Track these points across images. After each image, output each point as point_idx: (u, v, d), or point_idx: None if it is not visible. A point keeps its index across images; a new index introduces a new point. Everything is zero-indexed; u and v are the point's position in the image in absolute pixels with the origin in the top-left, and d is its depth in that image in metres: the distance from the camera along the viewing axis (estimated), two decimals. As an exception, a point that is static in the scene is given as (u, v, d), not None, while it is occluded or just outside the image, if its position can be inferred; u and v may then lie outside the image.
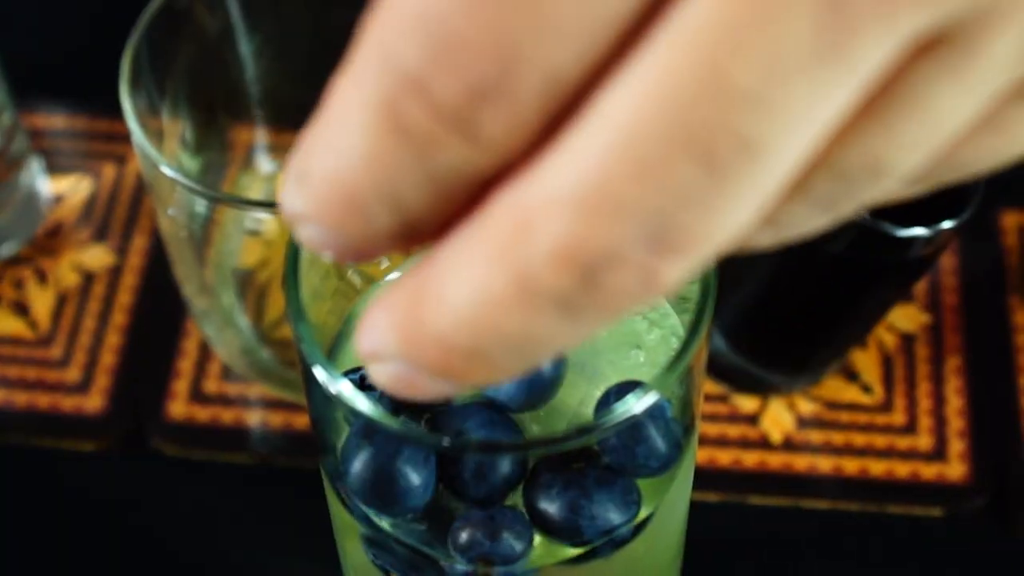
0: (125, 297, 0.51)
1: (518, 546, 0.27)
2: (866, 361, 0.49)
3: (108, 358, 0.49)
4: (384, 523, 0.28)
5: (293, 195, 0.17)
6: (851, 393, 0.48)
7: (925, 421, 0.48)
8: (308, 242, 0.18)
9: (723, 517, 0.46)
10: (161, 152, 0.41)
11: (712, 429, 0.47)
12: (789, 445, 0.47)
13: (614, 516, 0.27)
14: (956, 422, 0.47)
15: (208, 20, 0.44)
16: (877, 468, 0.47)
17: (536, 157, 0.16)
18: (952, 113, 0.17)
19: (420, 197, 0.17)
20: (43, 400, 0.48)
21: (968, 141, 0.18)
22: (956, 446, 0.47)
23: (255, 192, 0.51)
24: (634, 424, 0.26)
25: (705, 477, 0.46)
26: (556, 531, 0.27)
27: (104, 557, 0.46)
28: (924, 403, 0.48)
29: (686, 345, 0.24)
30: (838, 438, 0.47)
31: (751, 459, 0.47)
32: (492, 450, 0.27)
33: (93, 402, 0.48)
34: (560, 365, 0.28)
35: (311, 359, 0.24)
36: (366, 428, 0.27)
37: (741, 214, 0.16)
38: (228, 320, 0.46)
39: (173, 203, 0.40)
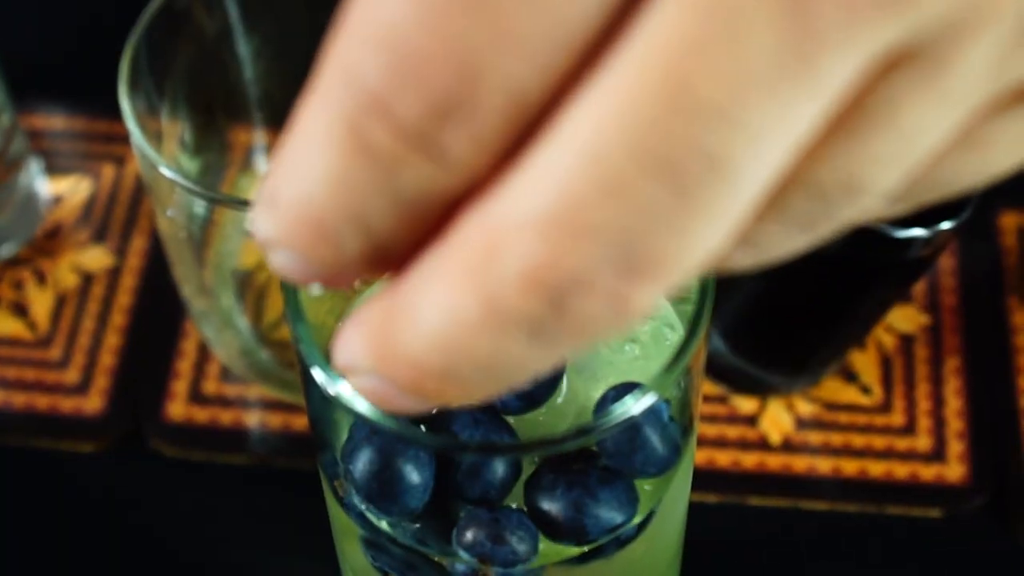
0: (124, 298, 0.51)
1: (524, 547, 0.27)
2: (865, 362, 0.49)
3: (107, 359, 0.49)
4: (383, 524, 0.28)
5: (263, 220, 0.17)
6: (850, 394, 0.48)
7: (924, 422, 0.48)
8: (280, 268, 0.17)
9: (722, 518, 0.46)
10: (160, 153, 0.41)
11: (711, 430, 0.47)
12: (788, 446, 0.47)
13: (618, 515, 0.27)
14: (955, 423, 0.48)
15: (207, 21, 0.44)
16: (876, 469, 0.47)
17: (504, 176, 0.16)
18: (927, 129, 0.16)
19: (388, 219, 0.16)
20: (42, 401, 0.48)
21: (947, 158, 0.17)
22: (955, 447, 0.47)
23: (254, 193, 0.51)
24: (632, 425, 0.26)
25: (704, 478, 0.46)
26: (560, 531, 0.27)
27: (104, 558, 0.46)
28: (923, 404, 0.48)
29: (685, 346, 0.24)
30: (837, 439, 0.47)
31: (750, 460, 0.47)
32: (491, 451, 0.27)
33: (92, 403, 0.48)
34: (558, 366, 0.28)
35: (310, 360, 0.24)
36: (365, 429, 0.27)
37: (712, 235, 0.15)
38: (227, 321, 0.46)
39: (172, 204, 0.40)
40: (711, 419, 0.48)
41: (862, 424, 0.48)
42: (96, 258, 0.52)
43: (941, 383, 0.48)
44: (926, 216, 0.38)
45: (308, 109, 0.16)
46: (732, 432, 0.47)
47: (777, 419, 0.48)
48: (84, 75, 0.54)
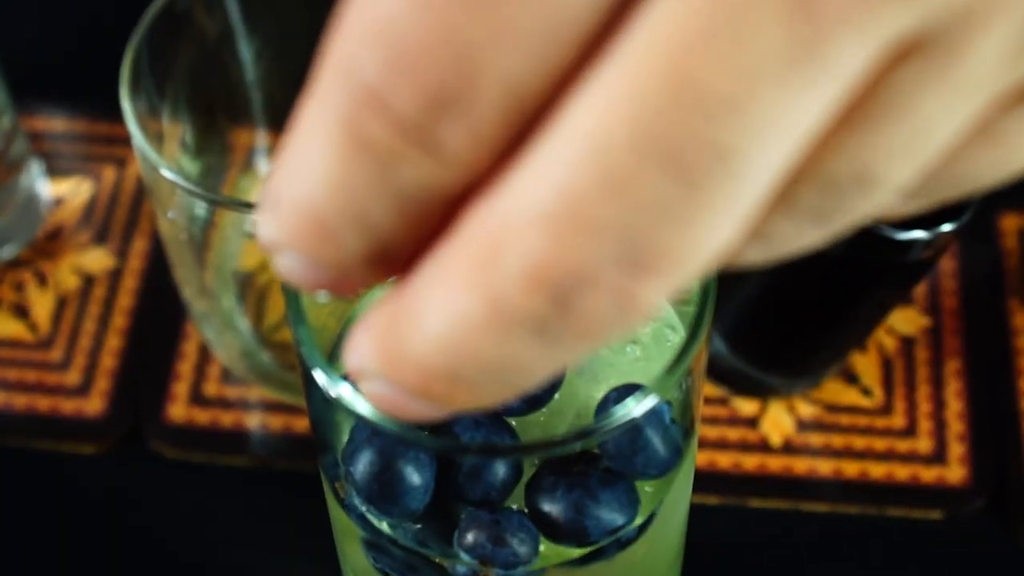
0: (125, 300, 0.51)
1: (525, 549, 0.27)
2: (866, 364, 0.49)
3: (108, 361, 0.49)
4: (384, 526, 0.28)
5: (266, 223, 0.17)
6: (851, 396, 0.48)
7: (925, 424, 0.48)
8: (286, 272, 0.17)
9: (723, 520, 0.46)
10: (161, 155, 0.41)
11: (712, 432, 0.47)
12: (789, 448, 0.47)
13: (619, 517, 0.27)
14: (956, 425, 0.47)
15: (208, 23, 0.44)
16: (877, 471, 0.47)
17: (506, 173, 0.15)
18: (940, 121, 0.16)
19: (389, 218, 0.16)
20: (43, 403, 0.48)
21: (964, 154, 0.17)
22: (956, 449, 0.47)
23: (255, 195, 0.51)
24: (634, 427, 0.26)
25: (705, 480, 0.46)
26: (561, 532, 0.27)
27: (104, 559, 0.46)
28: (924, 406, 0.48)
29: (686, 347, 0.24)
30: (838, 441, 0.47)
31: (751, 462, 0.47)
32: (492, 453, 0.27)
33: (93, 405, 0.48)
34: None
35: (311, 362, 0.24)
36: (366, 431, 0.27)
37: (720, 229, 0.15)
38: (228, 323, 0.46)
39: (173, 206, 0.40)
40: (712, 421, 0.48)
41: (863, 426, 0.48)
42: (97, 260, 0.52)
43: (942, 385, 0.48)
44: (927, 218, 0.38)
45: (307, 108, 0.16)
46: (733, 434, 0.47)
47: (778, 421, 0.48)
48: (85, 77, 0.54)
